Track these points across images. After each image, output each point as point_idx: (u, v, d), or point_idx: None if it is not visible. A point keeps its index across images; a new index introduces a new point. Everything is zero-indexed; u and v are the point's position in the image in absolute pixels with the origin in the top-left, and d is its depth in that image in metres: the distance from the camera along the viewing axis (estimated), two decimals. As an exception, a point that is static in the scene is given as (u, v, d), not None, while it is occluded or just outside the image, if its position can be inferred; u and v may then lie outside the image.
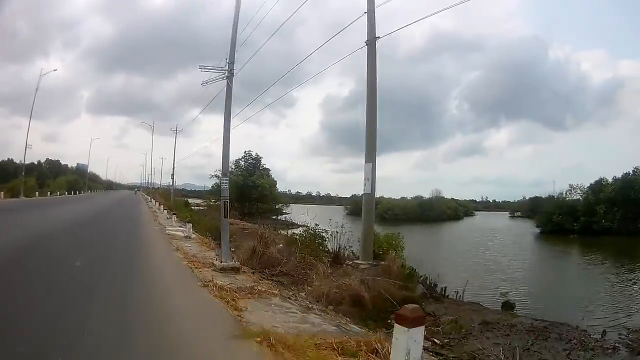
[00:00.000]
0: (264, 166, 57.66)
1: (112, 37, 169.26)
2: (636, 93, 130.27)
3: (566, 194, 53.44)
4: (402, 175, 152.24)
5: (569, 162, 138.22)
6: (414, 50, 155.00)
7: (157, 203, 34.22)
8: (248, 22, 15.32)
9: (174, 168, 45.96)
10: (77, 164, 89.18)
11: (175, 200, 44.07)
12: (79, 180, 71.02)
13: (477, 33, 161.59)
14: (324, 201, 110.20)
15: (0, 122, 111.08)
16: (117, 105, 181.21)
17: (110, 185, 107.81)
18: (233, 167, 52.45)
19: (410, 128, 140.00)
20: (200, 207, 53.55)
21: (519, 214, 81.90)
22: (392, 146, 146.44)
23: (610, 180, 48.19)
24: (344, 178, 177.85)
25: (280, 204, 57.17)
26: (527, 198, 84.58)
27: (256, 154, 56.89)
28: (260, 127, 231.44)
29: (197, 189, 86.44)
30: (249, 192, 52.46)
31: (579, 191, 51.58)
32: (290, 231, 21.80)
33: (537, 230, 48.33)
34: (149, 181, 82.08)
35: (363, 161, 12.19)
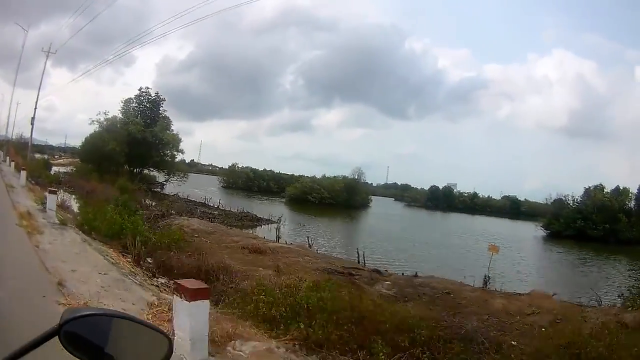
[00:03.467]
0: (165, 114, 44.91)
1: None
2: (496, 95, 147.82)
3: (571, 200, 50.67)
4: (223, 144, 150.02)
5: (405, 150, 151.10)
6: (261, 21, 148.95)
7: (12, 163, 28.43)
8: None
9: (34, 116, 35.74)
10: None
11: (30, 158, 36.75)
12: None
13: (332, 13, 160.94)
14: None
15: None
16: None
17: None
18: (120, 108, 42.36)
19: (238, 98, 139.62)
20: (64, 170, 44.51)
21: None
22: (217, 114, 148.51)
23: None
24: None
25: (181, 173, 46.41)
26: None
27: (156, 93, 44.75)
28: (98, 83, 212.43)
29: (40, 144, 74.69)
30: (146, 151, 41.07)
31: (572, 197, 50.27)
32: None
33: (541, 233, 47.74)
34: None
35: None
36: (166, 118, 43.84)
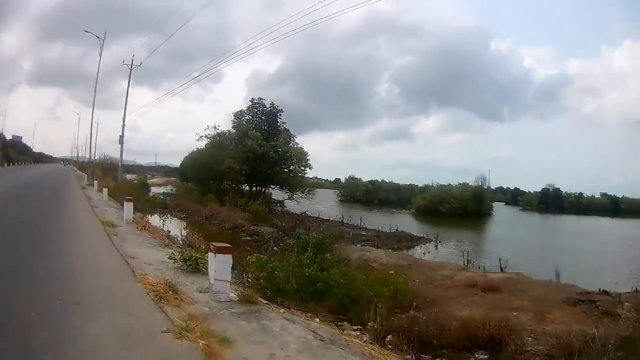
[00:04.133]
0: (284, 126, 39.25)
1: (54, 3, 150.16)
2: (582, 91, 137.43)
3: None
4: (323, 156, 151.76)
5: (499, 153, 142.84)
6: (347, 31, 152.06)
7: (96, 182, 25.52)
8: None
9: (123, 134, 31.04)
10: (13, 135, 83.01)
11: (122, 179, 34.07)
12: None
13: (416, 18, 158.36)
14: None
15: None
16: (54, 76, 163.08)
17: (40, 159, 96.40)
18: (232, 122, 38.62)
19: (335, 109, 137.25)
20: (163, 191, 44.49)
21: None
22: (314, 126, 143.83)
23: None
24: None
25: (307, 188, 40.40)
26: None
27: (271, 103, 38.98)
28: (185, 100, 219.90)
29: (127, 163, 76.10)
30: (269, 168, 36.26)
31: None
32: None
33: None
34: (78, 155, 77.10)
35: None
36: (286, 130, 38.85)
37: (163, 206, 30.30)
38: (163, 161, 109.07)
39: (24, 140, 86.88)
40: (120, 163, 33.28)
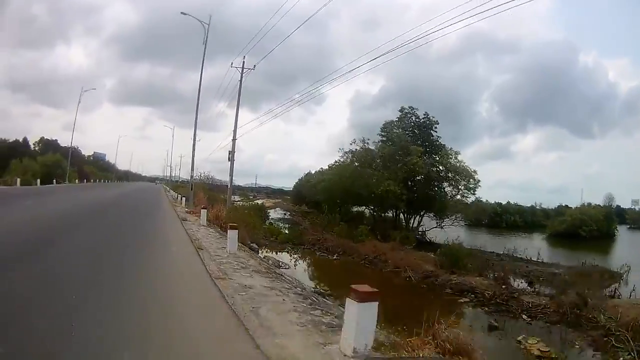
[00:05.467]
0: (439, 139, 33.01)
1: (136, 25, 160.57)
2: None
3: None
4: None
5: (591, 171, 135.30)
6: (446, 50, 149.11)
7: (203, 212, 16.72)
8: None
9: (233, 152, 25.09)
10: (94, 152, 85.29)
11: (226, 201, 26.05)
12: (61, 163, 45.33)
13: (509, 34, 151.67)
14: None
15: (19, 109, 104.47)
16: (140, 95, 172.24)
17: (125, 176, 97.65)
18: (380, 138, 32.64)
19: (438, 130, 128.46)
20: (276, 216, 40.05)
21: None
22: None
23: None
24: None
25: (457, 214, 33.77)
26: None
27: (425, 114, 33.00)
28: (287, 123, 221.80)
29: (224, 184, 72.83)
30: (425, 190, 30.65)
31: None
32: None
33: None
34: (170, 175, 77.36)
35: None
36: (443, 146, 32.39)
37: (299, 242, 25.00)
38: (263, 182, 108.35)
39: (107, 158, 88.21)
40: (229, 184, 25.33)
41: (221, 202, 25.72)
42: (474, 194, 32.27)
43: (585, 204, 54.25)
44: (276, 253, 20.92)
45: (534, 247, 29.37)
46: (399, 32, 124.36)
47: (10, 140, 46.03)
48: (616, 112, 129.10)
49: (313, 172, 52.09)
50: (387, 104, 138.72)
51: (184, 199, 26.16)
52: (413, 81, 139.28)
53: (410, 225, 32.10)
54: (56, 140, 54.12)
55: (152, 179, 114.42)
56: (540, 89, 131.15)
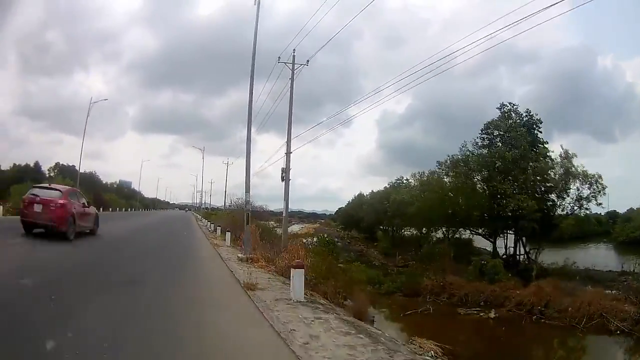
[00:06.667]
0: (546, 143, 26.64)
1: (156, 51, 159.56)
2: None
3: None
4: None
5: (614, 174, 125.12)
6: (470, 64, 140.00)
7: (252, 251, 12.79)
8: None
9: (287, 169, 19.32)
10: (120, 180, 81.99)
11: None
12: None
13: (530, 44, 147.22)
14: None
15: (39, 137, 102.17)
16: (165, 123, 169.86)
17: (152, 204, 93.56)
18: (479, 140, 26.68)
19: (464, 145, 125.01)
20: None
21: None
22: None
23: None
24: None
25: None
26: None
27: (527, 110, 26.95)
28: (316, 146, 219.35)
29: (255, 209, 68.03)
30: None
31: None
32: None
33: None
34: (201, 201, 74.32)
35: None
36: (548, 151, 25.77)
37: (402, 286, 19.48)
38: (294, 207, 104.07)
39: (133, 186, 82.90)
40: (285, 211, 19.38)
41: (274, 236, 19.60)
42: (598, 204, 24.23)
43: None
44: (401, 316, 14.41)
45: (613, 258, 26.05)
46: (422, 48, 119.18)
47: (22, 165, 40.92)
48: (635, 113, 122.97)
49: (366, 194, 48.80)
50: (414, 123, 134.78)
51: (227, 234, 18.78)
52: (439, 98, 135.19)
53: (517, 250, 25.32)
54: (73, 165, 49.10)
55: (182, 207, 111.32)
56: (563, 97, 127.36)
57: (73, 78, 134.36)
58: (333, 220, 72.77)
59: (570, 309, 14.89)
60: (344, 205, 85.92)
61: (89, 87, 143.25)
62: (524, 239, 24.94)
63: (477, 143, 26.52)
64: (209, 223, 31.09)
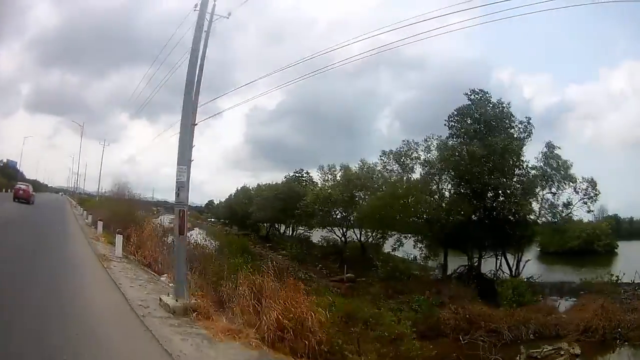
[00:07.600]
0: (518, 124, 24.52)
1: (55, 29, 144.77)
2: (583, 118, 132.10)
3: None
4: None
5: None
6: (350, 64, 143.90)
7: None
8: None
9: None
10: (7, 159, 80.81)
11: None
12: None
13: (419, 51, 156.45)
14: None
15: None
16: (52, 104, 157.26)
17: (36, 187, 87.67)
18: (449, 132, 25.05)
19: (335, 145, 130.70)
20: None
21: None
22: (313, 163, 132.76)
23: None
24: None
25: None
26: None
27: (499, 100, 25.11)
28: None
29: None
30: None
31: None
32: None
33: None
34: (76, 186, 68.58)
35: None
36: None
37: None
38: (159, 197, 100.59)
39: (26, 170, 79.89)
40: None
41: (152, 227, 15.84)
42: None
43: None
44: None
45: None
46: (305, 46, 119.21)
47: None
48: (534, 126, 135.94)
49: (251, 187, 47.06)
50: (283, 120, 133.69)
51: (118, 238, 12.91)
52: (313, 96, 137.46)
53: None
54: None
55: (58, 190, 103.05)
56: (447, 106, 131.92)
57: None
58: (200, 213, 71.69)
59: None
60: (212, 199, 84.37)
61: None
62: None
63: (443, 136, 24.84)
64: (84, 211, 26.96)
